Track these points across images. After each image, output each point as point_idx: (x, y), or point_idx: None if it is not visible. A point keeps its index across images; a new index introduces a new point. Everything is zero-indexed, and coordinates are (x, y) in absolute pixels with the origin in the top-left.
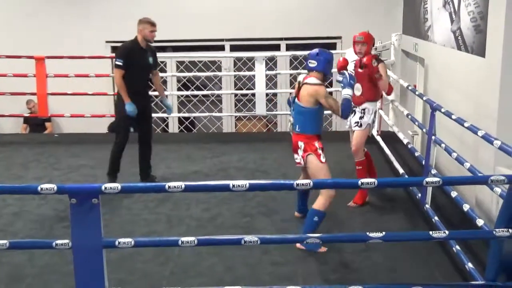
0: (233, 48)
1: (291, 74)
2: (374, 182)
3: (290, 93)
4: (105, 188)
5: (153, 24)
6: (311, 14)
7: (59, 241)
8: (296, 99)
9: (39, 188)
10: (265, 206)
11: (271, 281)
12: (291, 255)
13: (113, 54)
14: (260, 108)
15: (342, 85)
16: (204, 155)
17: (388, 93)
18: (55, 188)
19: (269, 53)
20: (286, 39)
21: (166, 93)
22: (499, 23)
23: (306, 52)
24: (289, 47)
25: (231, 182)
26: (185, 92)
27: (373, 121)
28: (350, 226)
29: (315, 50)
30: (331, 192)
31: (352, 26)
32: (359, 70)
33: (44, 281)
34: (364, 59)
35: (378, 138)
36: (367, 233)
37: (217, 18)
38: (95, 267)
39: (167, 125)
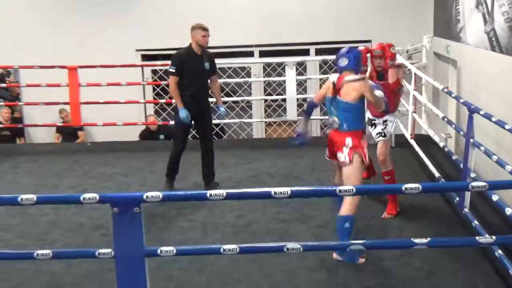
0: (262, 54)
1: (321, 79)
2: (419, 187)
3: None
4: (147, 197)
5: (205, 29)
6: (340, 18)
7: (101, 250)
8: (338, 97)
9: (81, 198)
10: (300, 212)
11: None
12: (328, 261)
13: (143, 62)
14: (291, 113)
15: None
16: (235, 162)
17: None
18: (97, 197)
19: (299, 58)
20: (315, 43)
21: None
22: None
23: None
24: (318, 52)
25: (272, 190)
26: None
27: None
28: (385, 233)
29: (344, 49)
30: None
31: (381, 29)
32: (376, 82)
33: None
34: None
35: (412, 142)
36: (412, 239)
37: (245, 24)
38: (137, 276)
39: (222, 130)
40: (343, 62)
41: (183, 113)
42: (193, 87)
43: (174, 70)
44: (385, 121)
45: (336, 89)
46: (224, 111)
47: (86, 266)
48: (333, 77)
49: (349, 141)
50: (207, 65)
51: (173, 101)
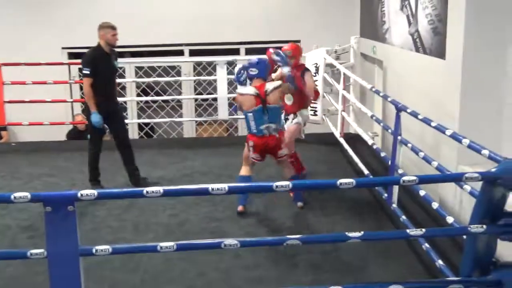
0: (192, 53)
1: None
2: (353, 182)
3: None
4: (81, 195)
5: (114, 28)
6: (270, 18)
7: (34, 251)
8: (269, 105)
9: (12, 197)
10: (233, 210)
11: (244, 285)
12: (262, 259)
13: (70, 61)
14: (223, 113)
15: (281, 64)
16: (167, 161)
17: (314, 99)
18: (29, 196)
19: (229, 57)
20: (245, 43)
21: (125, 99)
22: (459, 25)
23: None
24: (248, 51)
25: (210, 186)
26: (144, 98)
27: (304, 125)
28: (317, 228)
29: (255, 59)
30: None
31: (310, 29)
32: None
33: None
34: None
35: (341, 140)
36: (346, 233)
37: (175, 23)
38: (72, 276)
39: (152, 129)
40: (253, 71)
41: (95, 118)
42: (105, 87)
43: (88, 72)
44: (296, 115)
45: (264, 98)
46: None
47: (14, 270)
48: (248, 89)
49: (282, 138)
50: (116, 63)
51: None
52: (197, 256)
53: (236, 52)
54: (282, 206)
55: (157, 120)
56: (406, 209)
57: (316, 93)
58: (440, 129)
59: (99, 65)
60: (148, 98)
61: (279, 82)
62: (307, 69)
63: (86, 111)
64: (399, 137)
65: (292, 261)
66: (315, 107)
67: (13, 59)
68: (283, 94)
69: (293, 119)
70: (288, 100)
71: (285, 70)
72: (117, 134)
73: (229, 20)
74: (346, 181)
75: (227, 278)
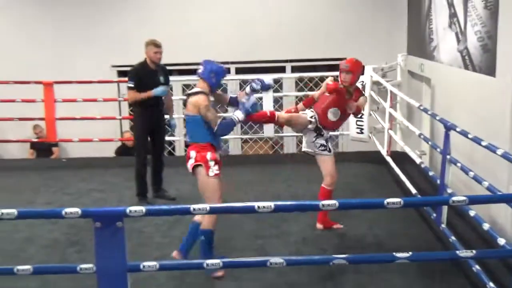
0: (238, 71)
1: (296, 96)
2: (400, 202)
3: None
4: (130, 211)
5: (157, 45)
6: (316, 36)
7: (83, 266)
8: (185, 110)
9: (63, 212)
10: (277, 228)
11: None
12: (307, 277)
13: (120, 78)
14: (268, 130)
15: (241, 105)
16: None
17: (357, 112)
18: (79, 212)
19: (275, 75)
20: (291, 61)
21: (174, 116)
22: (509, 42)
23: (312, 74)
24: (294, 69)
25: (256, 204)
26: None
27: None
28: (363, 248)
29: (207, 59)
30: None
31: (357, 46)
32: (327, 94)
33: None
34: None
35: (388, 158)
36: (393, 253)
37: (221, 41)
38: None
39: (173, 149)
40: (200, 69)
41: (157, 90)
42: (150, 100)
43: (132, 85)
44: (331, 136)
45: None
46: (174, 124)
47: (63, 284)
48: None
49: (193, 154)
50: (162, 79)
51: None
52: (242, 273)
53: (282, 70)
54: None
55: None
56: (456, 230)
57: (358, 108)
58: (491, 148)
59: (143, 79)
60: None
61: (199, 89)
62: (363, 94)
63: (135, 119)
64: (448, 156)
65: (338, 281)
66: (361, 125)
67: (64, 77)
68: (202, 115)
69: (326, 141)
70: (333, 116)
71: (237, 114)
72: (155, 143)
73: (275, 38)
74: (393, 201)
75: None
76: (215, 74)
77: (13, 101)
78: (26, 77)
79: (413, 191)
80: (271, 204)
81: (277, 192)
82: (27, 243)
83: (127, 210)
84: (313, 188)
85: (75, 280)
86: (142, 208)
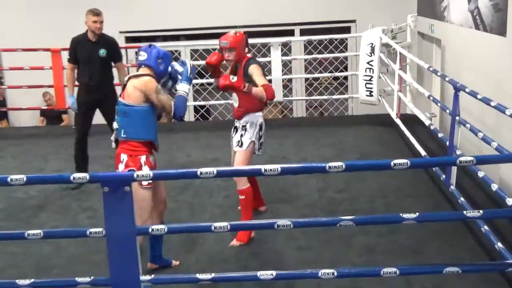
0: (247, 35)
1: (305, 59)
2: (407, 163)
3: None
4: (137, 175)
5: (96, 14)
6: None
7: (92, 230)
8: (120, 98)
9: (71, 177)
10: (286, 192)
11: (297, 266)
12: (316, 240)
13: (127, 44)
14: (277, 94)
15: (180, 77)
16: (222, 143)
17: (269, 98)
18: (88, 177)
19: (284, 39)
20: (299, 24)
21: None
22: None
23: (321, 37)
24: (303, 32)
25: (262, 167)
26: (200, 80)
27: (260, 137)
28: (373, 210)
29: (148, 44)
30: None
31: (366, 8)
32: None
33: (73, 271)
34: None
35: (398, 121)
36: (401, 214)
37: (229, 5)
38: (129, 254)
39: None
40: (142, 56)
41: (69, 101)
42: (86, 75)
43: (68, 57)
44: (245, 124)
45: (124, 86)
46: None
47: (74, 249)
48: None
49: (124, 157)
50: (102, 52)
51: None
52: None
53: (290, 33)
54: (336, 188)
55: (212, 102)
56: (465, 191)
57: (270, 91)
58: (500, 108)
59: (80, 52)
60: (204, 81)
61: (143, 72)
62: (252, 62)
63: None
64: (457, 118)
65: (346, 243)
66: (371, 88)
67: None
68: (153, 101)
69: (241, 133)
70: (234, 101)
71: (181, 87)
72: (108, 124)
73: (282, 1)
74: (400, 162)
75: (280, 259)
76: (162, 60)
77: (21, 68)
78: (33, 44)
79: (423, 153)
80: (277, 166)
81: (286, 157)
82: (39, 210)
83: (135, 175)
84: (322, 152)
85: (85, 245)
86: (149, 173)
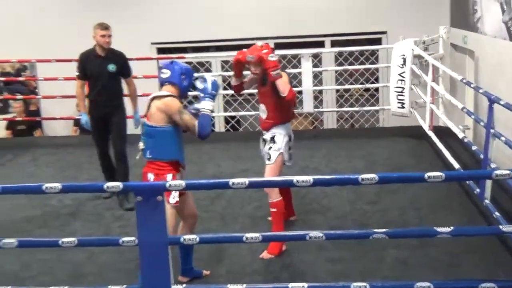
0: (277, 46)
1: (336, 71)
2: (442, 176)
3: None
4: (170, 185)
5: (104, 28)
6: (355, 9)
7: (125, 238)
8: (145, 119)
9: (105, 186)
10: (318, 203)
11: (328, 278)
12: (347, 252)
13: (159, 55)
14: (308, 105)
15: (201, 94)
16: (252, 154)
17: (289, 97)
18: (121, 186)
19: (314, 50)
20: (330, 35)
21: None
22: None
23: (351, 48)
24: (333, 44)
25: (295, 178)
26: (230, 91)
27: (289, 148)
28: (405, 222)
29: (169, 60)
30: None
31: (397, 20)
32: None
33: (105, 279)
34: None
35: (430, 133)
36: (435, 228)
37: (259, 16)
38: (161, 263)
39: (213, 125)
40: (164, 74)
41: (82, 118)
42: (95, 91)
43: (77, 73)
44: (273, 136)
45: (149, 106)
46: (137, 120)
47: (107, 256)
48: (155, 94)
49: (150, 176)
50: (111, 67)
51: None
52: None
53: (321, 44)
54: (367, 200)
55: (243, 113)
56: (500, 205)
57: (292, 92)
58: None
59: (88, 67)
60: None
61: (167, 93)
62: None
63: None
64: (492, 130)
65: (377, 256)
66: (403, 100)
67: None
68: (177, 121)
69: (270, 146)
70: (262, 112)
71: (203, 105)
72: (112, 141)
73: (314, 13)
74: (434, 174)
75: (311, 271)
76: (185, 75)
77: (55, 79)
78: (68, 55)
79: (456, 166)
80: (310, 178)
81: (317, 168)
82: (72, 218)
83: (167, 184)
84: (353, 163)
85: (118, 253)
86: (182, 182)
